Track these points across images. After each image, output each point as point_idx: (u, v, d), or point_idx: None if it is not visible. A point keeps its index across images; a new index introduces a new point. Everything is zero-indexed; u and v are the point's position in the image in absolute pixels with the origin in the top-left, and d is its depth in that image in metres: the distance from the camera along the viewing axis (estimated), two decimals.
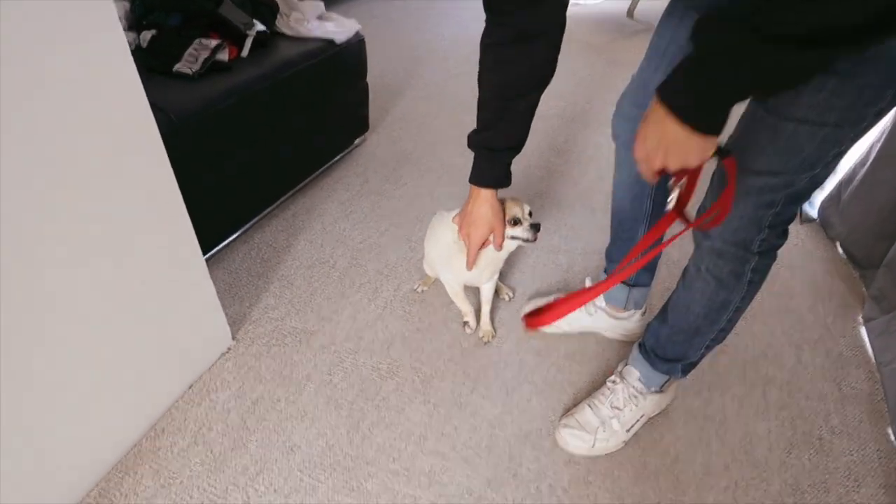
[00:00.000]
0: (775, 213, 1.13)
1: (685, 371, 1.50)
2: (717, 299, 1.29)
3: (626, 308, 1.80)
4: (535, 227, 1.49)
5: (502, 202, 1.46)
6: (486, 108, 1.28)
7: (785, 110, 1.00)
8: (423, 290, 2.04)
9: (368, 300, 2.00)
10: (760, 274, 1.25)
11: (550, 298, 1.92)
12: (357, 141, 2.90)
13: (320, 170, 2.66)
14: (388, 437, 1.55)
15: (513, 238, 1.51)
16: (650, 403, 1.55)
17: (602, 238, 2.35)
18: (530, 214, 1.52)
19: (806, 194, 1.11)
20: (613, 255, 1.74)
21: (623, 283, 1.76)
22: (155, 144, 1.29)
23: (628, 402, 1.53)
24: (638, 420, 1.54)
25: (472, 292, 1.99)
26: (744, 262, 1.22)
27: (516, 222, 1.49)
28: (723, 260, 1.23)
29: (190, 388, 1.65)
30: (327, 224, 2.37)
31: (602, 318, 1.84)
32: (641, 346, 1.55)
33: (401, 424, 1.58)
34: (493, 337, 1.86)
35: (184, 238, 1.46)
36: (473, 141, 1.34)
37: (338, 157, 2.77)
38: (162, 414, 1.57)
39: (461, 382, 1.71)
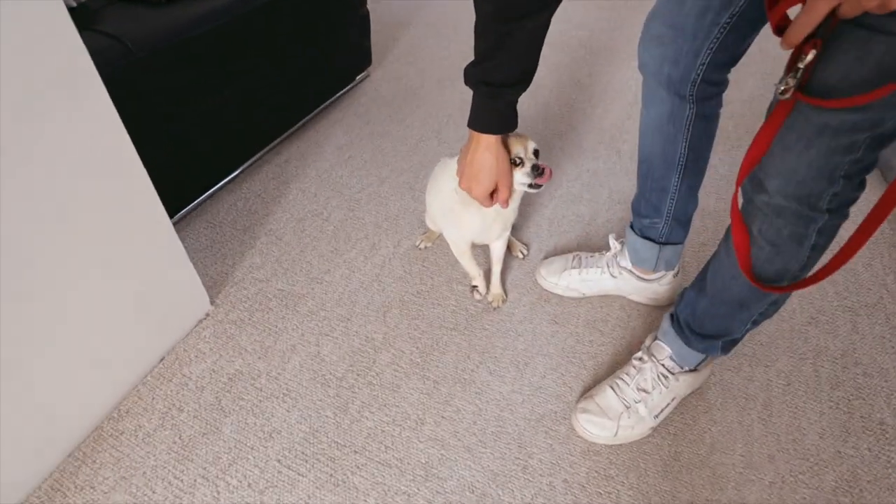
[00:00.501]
0: (854, 160, 0.88)
1: (725, 349, 1.27)
2: (771, 268, 1.05)
3: (655, 269, 1.56)
4: (536, 170, 1.24)
5: (505, 142, 1.20)
6: (484, 35, 1.02)
7: (878, 21, 0.74)
8: (425, 247, 1.82)
9: (364, 258, 1.79)
10: (827, 237, 1.00)
11: (570, 257, 1.69)
12: (358, 77, 2.62)
13: (316, 110, 2.40)
14: (381, 420, 1.36)
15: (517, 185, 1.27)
16: (682, 385, 1.33)
17: (629, 185, 2.10)
18: (536, 154, 1.26)
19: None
20: (641, 209, 1.49)
21: (652, 240, 1.51)
22: (88, 76, 1.06)
23: (657, 383, 1.32)
24: (668, 404, 1.33)
25: (481, 252, 1.77)
26: (808, 223, 0.97)
27: (518, 162, 1.24)
28: (782, 219, 0.98)
29: (161, 361, 1.47)
30: (322, 171, 2.14)
31: (627, 281, 1.61)
32: (674, 319, 1.32)
33: (395, 406, 1.39)
34: (503, 301, 1.65)
35: (138, 187, 1.25)
36: (470, 76, 1.08)
37: (336, 96, 2.51)
38: (128, 392, 1.40)
39: (466, 356, 1.50)
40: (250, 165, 2.15)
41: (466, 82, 1.09)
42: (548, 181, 1.25)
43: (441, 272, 1.74)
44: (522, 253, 1.80)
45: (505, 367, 1.48)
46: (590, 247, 1.82)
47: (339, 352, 1.51)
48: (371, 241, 1.85)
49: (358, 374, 1.46)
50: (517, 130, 1.18)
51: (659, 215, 1.45)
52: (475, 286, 1.63)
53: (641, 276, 1.59)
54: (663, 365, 1.33)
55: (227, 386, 1.42)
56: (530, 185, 1.25)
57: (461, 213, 1.40)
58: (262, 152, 2.19)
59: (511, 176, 1.22)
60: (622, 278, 1.61)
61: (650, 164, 1.40)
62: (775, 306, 1.17)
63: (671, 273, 1.59)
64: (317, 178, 2.12)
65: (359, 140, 2.29)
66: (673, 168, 1.35)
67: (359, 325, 1.59)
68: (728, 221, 1.09)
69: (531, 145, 1.25)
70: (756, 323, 1.20)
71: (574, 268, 1.66)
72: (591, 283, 1.64)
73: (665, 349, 1.33)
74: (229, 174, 2.06)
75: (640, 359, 1.36)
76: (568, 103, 2.51)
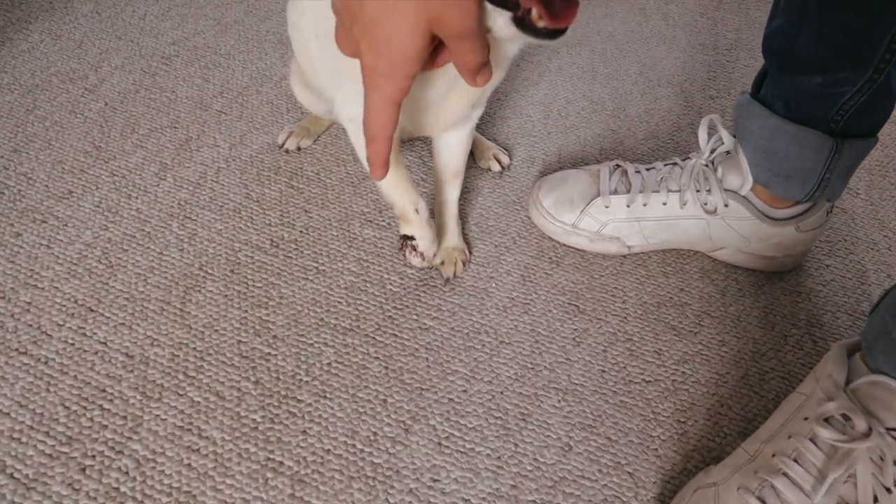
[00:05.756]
0: None
1: None
2: None
3: (804, 193, 0.70)
4: None
5: None
6: None
7: None
8: (298, 149, 0.88)
9: (161, 169, 0.83)
10: None
11: (603, 172, 0.79)
12: None
13: None
14: None
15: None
16: None
17: (669, 55, 1.18)
18: None
19: None
20: (800, 44, 0.61)
21: (816, 124, 0.65)
22: None
23: None
24: None
25: (418, 160, 0.84)
26: None
27: None
28: None
29: None
30: (111, 4, 1.13)
31: (736, 219, 0.73)
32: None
33: None
34: (463, 265, 0.74)
35: None
36: None
37: None
38: None
39: (374, 422, 0.60)
40: None
41: None
42: (574, 20, 0.37)
43: (330, 203, 0.81)
44: (500, 163, 0.88)
45: (469, 458, 0.58)
46: (625, 153, 0.93)
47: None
48: (182, 133, 0.89)
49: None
50: None
51: (855, 60, 0.59)
52: (407, 237, 0.68)
53: (773, 207, 0.72)
54: None
55: None
56: (531, 29, 0.37)
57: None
58: None
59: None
60: (727, 213, 0.73)
61: None
62: None
63: (824, 207, 0.73)
64: (94, 13, 1.10)
65: None
66: None
67: (108, 330, 0.65)
68: None
69: None
70: None
71: (617, 193, 0.77)
72: (653, 225, 0.75)
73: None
74: None
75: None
76: None
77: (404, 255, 0.66)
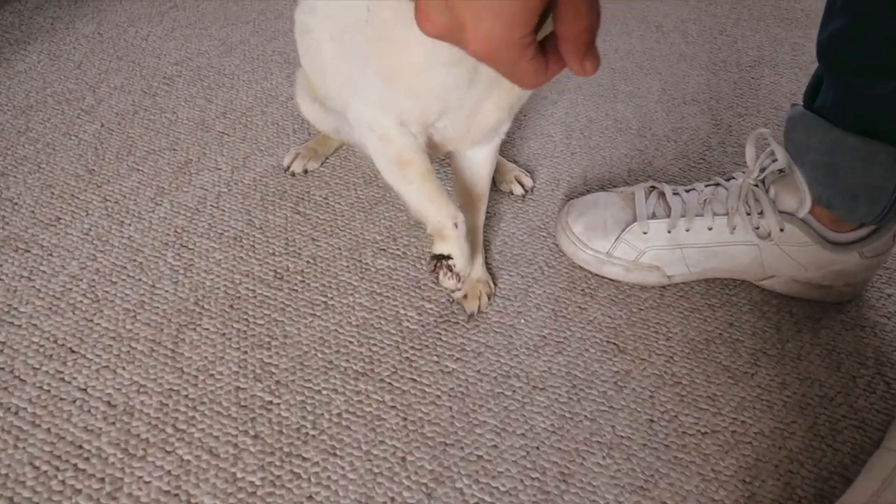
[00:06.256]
0: None
1: None
2: None
3: (872, 216, 0.62)
4: None
5: None
6: None
7: None
8: (305, 171, 0.81)
9: (157, 193, 0.76)
10: None
11: (639, 194, 0.72)
12: None
13: None
14: None
15: None
16: None
17: (691, 72, 1.10)
18: None
19: None
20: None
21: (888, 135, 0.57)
22: None
23: None
24: None
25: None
26: None
27: None
28: None
29: None
30: (116, 24, 1.08)
31: (792, 246, 0.65)
32: None
33: None
34: (489, 297, 0.66)
35: None
36: None
37: None
38: None
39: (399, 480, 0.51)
40: None
41: None
42: None
43: (340, 230, 0.74)
44: (523, 186, 0.81)
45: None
46: (655, 175, 0.86)
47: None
48: (182, 155, 0.82)
49: None
50: None
51: None
52: (443, 257, 0.58)
53: (834, 231, 0.64)
54: None
55: None
56: None
57: (401, 41, 0.41)
58: None
59: None
60: (783, 238, 0.65)
61: None
62: None
63: (892, 231, 0.65)
64: (96, 34, 1.05)
65: None
66: None
67: (89, 375, 0.57)
68: None
69: None
70: None
71: (655, 217, 0.69)
72: (698, 253, 0.67)
73: None
74: None
75: None
76: None
77: (436, 278, 0.58)
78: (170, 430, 0.54)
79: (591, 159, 0.87)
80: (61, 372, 0.57)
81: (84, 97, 0.91)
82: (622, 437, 0.57)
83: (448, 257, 0.57)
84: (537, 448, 0.55)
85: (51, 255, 0.68)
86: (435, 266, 0.58)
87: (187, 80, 0.97)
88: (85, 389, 0.56)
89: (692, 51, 1.14)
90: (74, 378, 0.57)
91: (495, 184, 0.81)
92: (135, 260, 0.68)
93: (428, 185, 0.54)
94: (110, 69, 0.98)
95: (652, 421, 0.58)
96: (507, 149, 0.88)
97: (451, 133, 0.54)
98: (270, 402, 0.57)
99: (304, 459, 0.52)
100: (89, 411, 0.55)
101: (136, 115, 0.89)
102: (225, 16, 1.13)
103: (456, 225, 0.56)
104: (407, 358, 0.61)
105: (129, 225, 0.72)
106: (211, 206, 0.75)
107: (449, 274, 0.57)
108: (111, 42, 1.04)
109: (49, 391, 0.56)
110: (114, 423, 0.54)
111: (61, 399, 0.56)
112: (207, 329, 0.62)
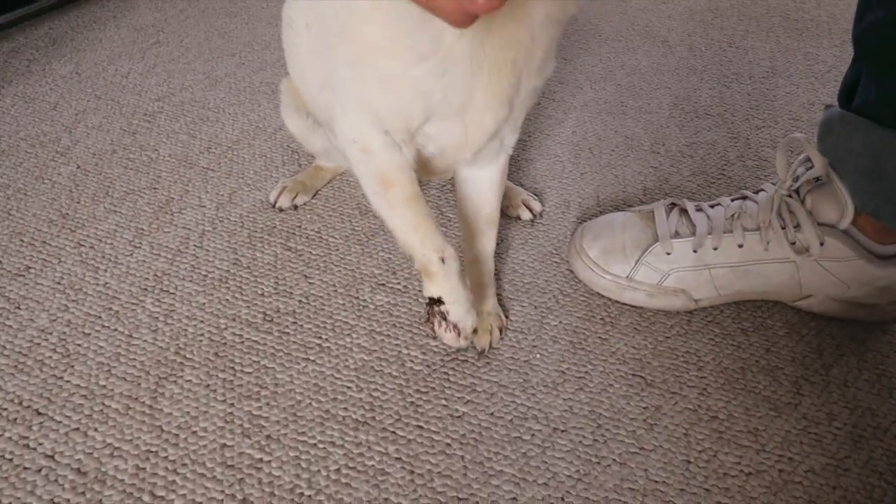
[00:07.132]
0: None
1: None
2: None
3: None
4: None
5: None
6: None
7: None
8: (294, 206, 0.76)
9: (136, 236, 0.71)
10: None
11: (659, 212, 0.66)
12: None
13: None
14: None
15: None
16: None
17: (701, 86, 1.04)
18: None
19: None
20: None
21: None
22: None
23: None
24: None
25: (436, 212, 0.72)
26: None
27: None
28: None
29: None
30: (94, 64, 1.04)
31: (834, 261, 0.59)
32: None
33: None
34: (500, 336, 0.60)
35: None
36: None
37: None
38: None
39: None
40: None
41: None
42: None
43: (334, 265, 0.68)
44: (531, 210, 0.76)
45: None
46: (672, 192, 0.81)
47: None
48: (163, 194, 0.77)
49: None
50: None
51: None
52: (434, 301, 0.51)
53: (881, 243, 0.59)
54: None
55: None
56: None
57: (367, 14, 0.37)
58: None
59: None
60: (822, 253, 0.59)
61: None
62: None
63: None
64: (74, 74, 1.01)
65: (180, 18, 1.19)
66: None
67: (57, 439, 0.51)
68: None
69: None
70: None
71: (679, 236, 0.64)
72: (728, 273, 0.62)
73: None
74: None
75: None
76: None
77: (432, 330, 0.51)
78: (146, 497, 0.47)
79: (602, 179, 0.82)
80: (25, 437, 0.51)
81: (59, 139, 0.87)
82: (656, 481, 0.50)
83: (440, 301, 0.50)
84: (562, 499, 0.48)
85: (18, 307, 0.62)
86: (428, 315, 0.51)
87: (169, 115, 0.92)
88: (52, 456, 0.50)
89: (702, 64, 1.10)
90: (40, 444, 0.51)
91: (502, 210, 0.75)
92: (110, 308, 0.62)
93: (412, 210, 0.48)
94: (88, 109, 0.93)
95: (688, 462, 0.51)
96: (512, 172, 0.83)
97: (447, 139, 0.48)
98: (260, 460, 0.50)
99: None
100: (56, 481, 0.48)
101: (115, 154, 0.84)
102: (210, 49, 1.09)
103: (443, 260, 0.48)
104: (412, 403, 0.55)
105: (105, 271, 0.67)
106: (194, 246, 0.70)
107: (444, 324, 0.50)
108: (89, 81, 1.00)
109: (11, 460, 0.50)
110: (83, 494, 0.48)
111: (24, 468, 0.49)
112: (190, 381, 0.56)
